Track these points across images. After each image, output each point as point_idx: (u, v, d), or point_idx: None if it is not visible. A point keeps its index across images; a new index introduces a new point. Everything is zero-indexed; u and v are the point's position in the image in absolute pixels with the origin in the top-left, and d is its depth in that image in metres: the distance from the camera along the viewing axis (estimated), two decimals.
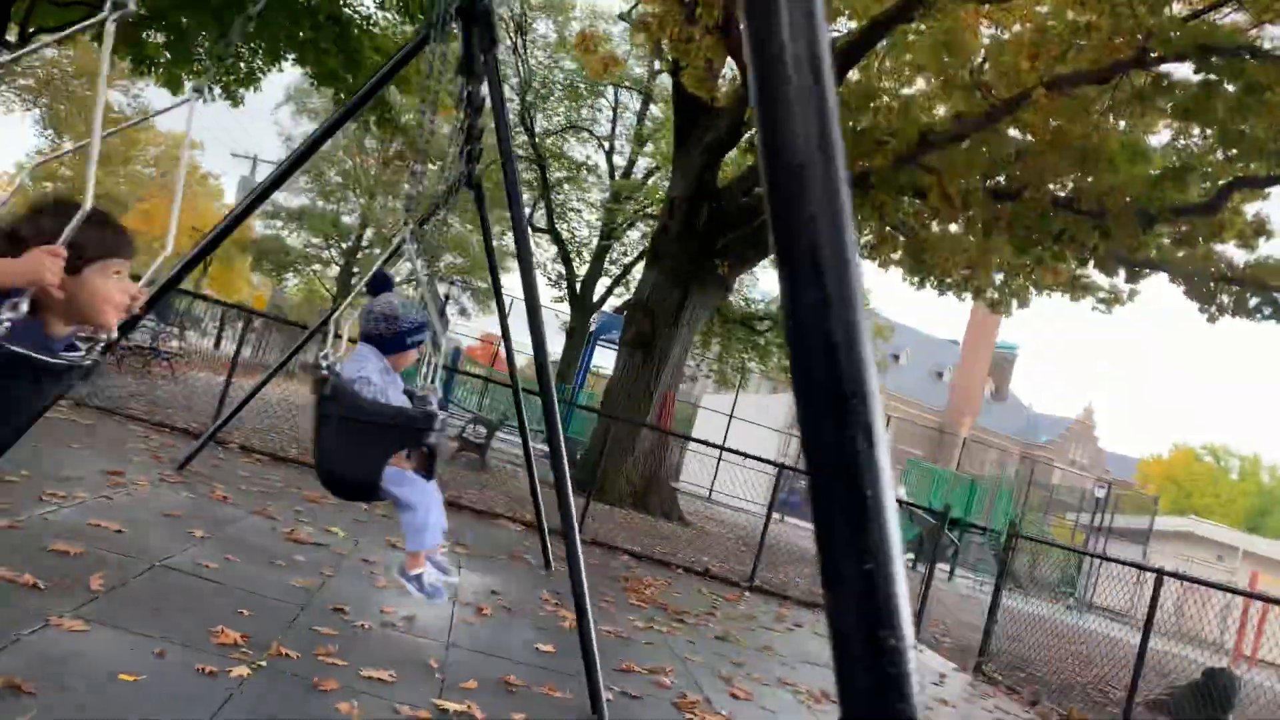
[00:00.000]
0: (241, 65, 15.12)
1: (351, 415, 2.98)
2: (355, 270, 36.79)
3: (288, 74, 17.71)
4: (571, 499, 3.63)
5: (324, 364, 3.02)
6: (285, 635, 3.53)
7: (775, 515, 25.96)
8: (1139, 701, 8.07)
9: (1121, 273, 14.28)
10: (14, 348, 1.73)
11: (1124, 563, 7.99)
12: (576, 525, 3.73)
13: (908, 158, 11.83)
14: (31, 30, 15.61)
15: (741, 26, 0.71)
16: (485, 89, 5.06)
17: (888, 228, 13.69)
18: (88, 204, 1.81)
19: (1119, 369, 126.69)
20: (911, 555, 20.96)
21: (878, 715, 0.63)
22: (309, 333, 6.99)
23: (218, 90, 15.41)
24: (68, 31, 2.63)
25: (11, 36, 15.41)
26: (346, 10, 12.89)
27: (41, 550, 3.64)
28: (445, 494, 8.16)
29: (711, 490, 24.99)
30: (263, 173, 38.31)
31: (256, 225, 36.11)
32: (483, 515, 8.54)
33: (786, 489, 31.08)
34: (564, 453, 3.70)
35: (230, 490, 6.06)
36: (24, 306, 1.75)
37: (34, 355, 1.78)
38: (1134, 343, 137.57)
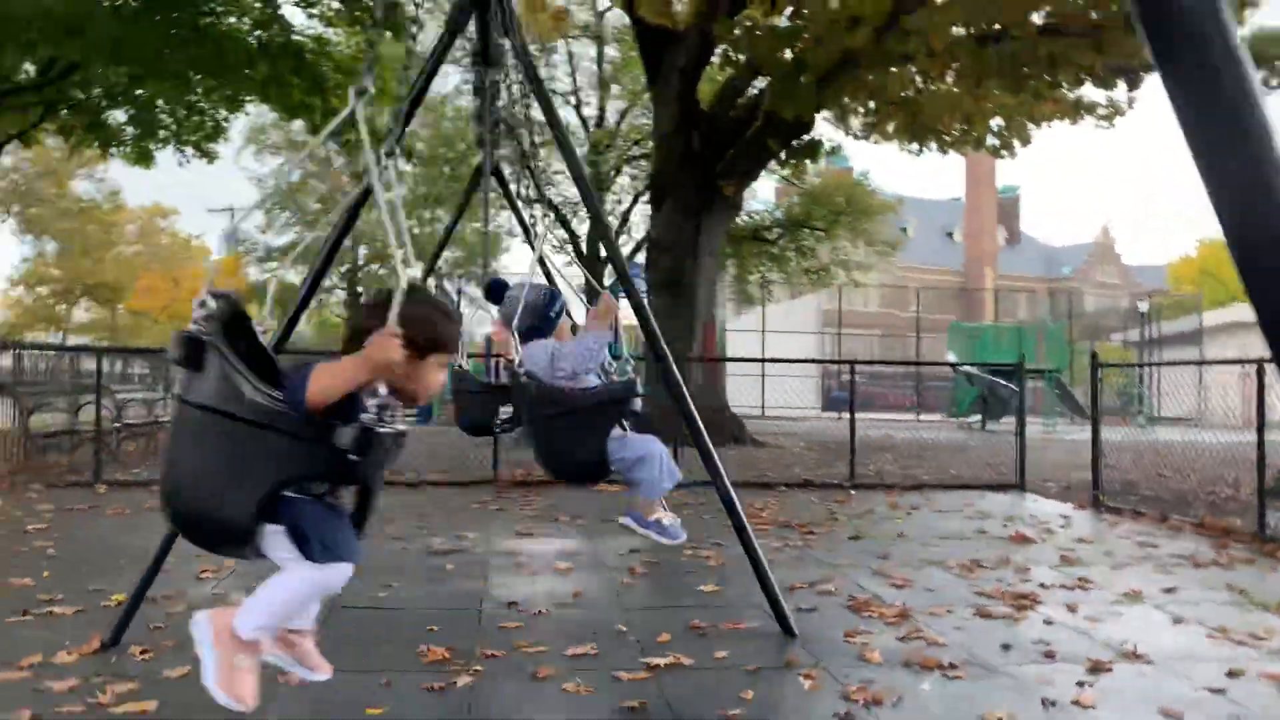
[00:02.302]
0: (205, 121, 15.07)
1: (570, 408, 3.14)
2: (359, 290, 36.79)
3: (242, 118, 17.63)
4: (711, 447, 3.71)
5: (520, 372, 3.19)
6: (480, 638, 3.65)
7: (833, 414, 26.00)
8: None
9: (1121, 83, 14.10)
10: (389, 428, 1.98)
11: (1229, 362, 7.99)
12: (721, 467, 3.81)
13: (887, 28, 11.67)
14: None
15: None
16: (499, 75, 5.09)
17: (883, 104, 13.52)
18: (405, 279, 2.01)
19: (1127, 184, 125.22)
20: (979, 415, 21.06)
21: None
22: None
23: (189, 150, 15.41)
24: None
25: None
26: (298, 38, 12.74)
27: None
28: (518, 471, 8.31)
29: (763, 408, 25.14)
30: (243, 220, 38.14)
31: (251, 271, 36.02)
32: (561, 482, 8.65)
33: (835, 386, 31.28)
34: (689, 400, 3.76)
35: None
36: (382, 389, 1.98)
37: (397, 430, 2.03)
38: (1136, 154, 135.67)
